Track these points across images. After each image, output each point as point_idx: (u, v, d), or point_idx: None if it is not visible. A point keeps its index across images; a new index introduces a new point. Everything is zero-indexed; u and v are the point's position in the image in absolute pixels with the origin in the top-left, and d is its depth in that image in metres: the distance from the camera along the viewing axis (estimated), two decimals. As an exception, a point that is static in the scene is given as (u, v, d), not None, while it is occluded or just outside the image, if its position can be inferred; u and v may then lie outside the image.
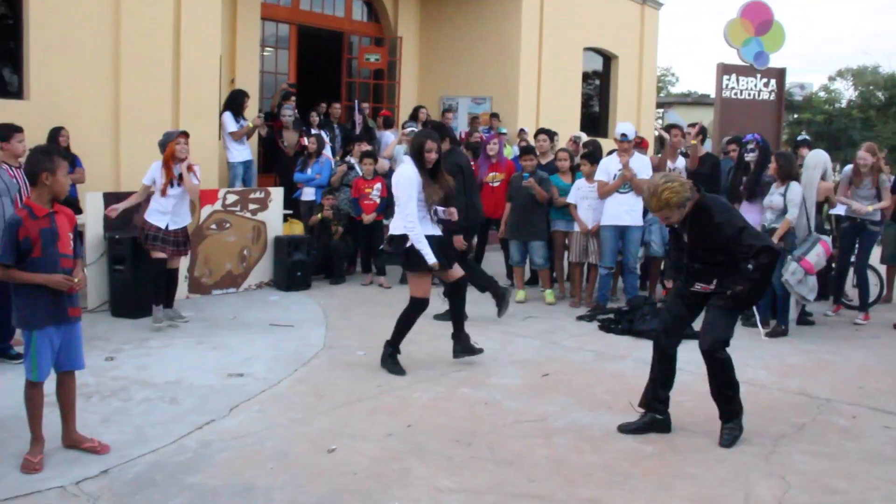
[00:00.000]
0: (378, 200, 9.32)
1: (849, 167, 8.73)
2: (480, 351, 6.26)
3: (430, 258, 5.83)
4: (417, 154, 5.94)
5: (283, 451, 4.45)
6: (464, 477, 4.18)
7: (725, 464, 4.45)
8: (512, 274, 9.36)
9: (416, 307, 6.04)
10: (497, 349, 6.65)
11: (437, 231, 6.04)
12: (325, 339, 6.86)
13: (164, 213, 7.12)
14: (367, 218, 9.32)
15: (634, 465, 4.33)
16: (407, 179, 5.88)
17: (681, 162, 8.80)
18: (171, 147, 7.04)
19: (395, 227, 5.97)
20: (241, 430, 4.73)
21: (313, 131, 10.73)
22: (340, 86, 14.38)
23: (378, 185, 9.34)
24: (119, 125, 9.10)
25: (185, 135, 7.20)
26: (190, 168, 7.15)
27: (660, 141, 12.95)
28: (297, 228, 9.69)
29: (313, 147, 9.99)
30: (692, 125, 9.37)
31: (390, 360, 6.00)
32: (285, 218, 9.58)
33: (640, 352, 6.52)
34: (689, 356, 6.66)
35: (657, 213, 4.66)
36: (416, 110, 12.19)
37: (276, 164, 11.70)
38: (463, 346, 6.21)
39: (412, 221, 5.85)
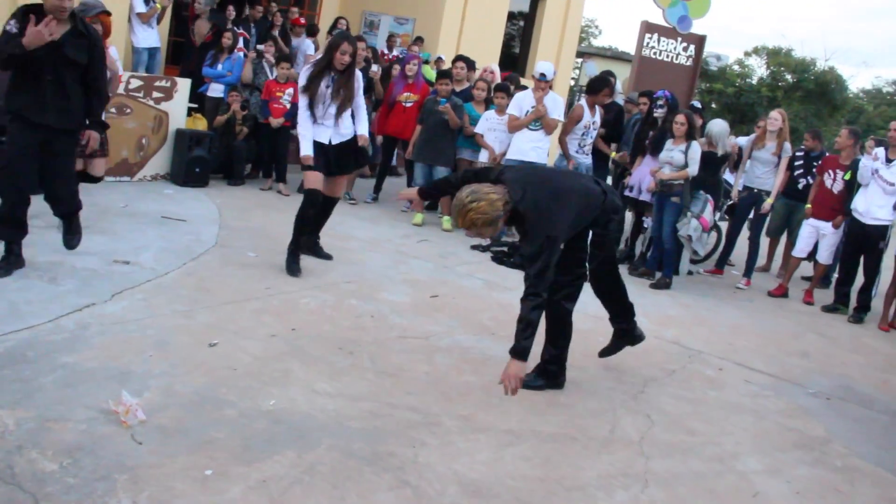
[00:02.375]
0: (288, 106, 9.10)
1: (743, 139, 9.05)
2: (328, 257, 6.55)
3: (303, 150, 5.96)
4: (329, 51, 5.87)
5: (163, 340, 4.39)
6: (343, 383, 4.23)
7: (596, 397, 4.65)
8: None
9: (306, 199, 6.10)
10: (389, 267, 6.69)
11: (326, 138, 6.11)
12: (217, 237, 6.74)
13: None
14: (275, 122, 9.12)
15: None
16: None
17: (598, 115, 8.88)
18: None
19: None
20: (123, 317, 4.64)
21: (229, 26, 10.35)
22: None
23: (290, 91, 9.11)
24: None
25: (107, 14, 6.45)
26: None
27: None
28: (201, 124, 9.39)
29: (227, 42, 9.66)
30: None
31: (290, 256, 6.04)
32: (189, 111, 9.27)
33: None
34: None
35: (465, 230, 4.18)
36: (335, 22, 11.89)
37: (182, 56, 11.26)
38: (309, 246, 6.46)
39: (301, 115, 5.99)
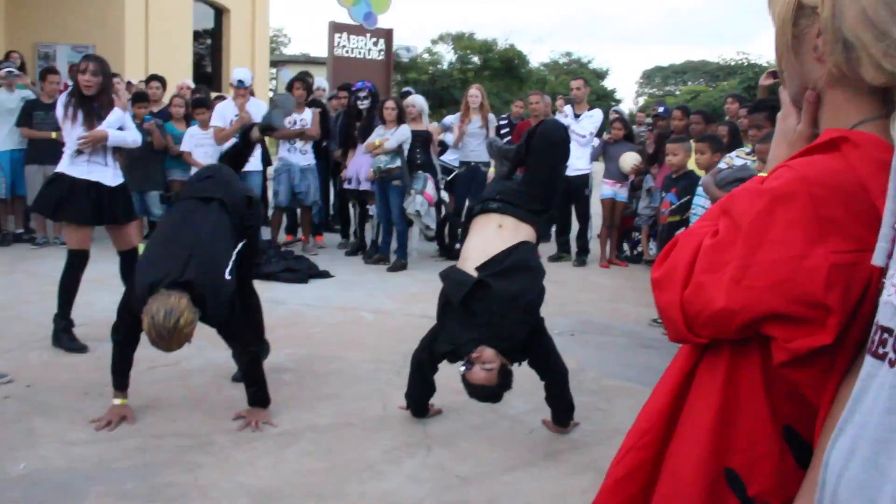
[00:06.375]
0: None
1: (450, 117, 9.53)
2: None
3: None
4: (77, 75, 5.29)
5: None
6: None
7: (361, 382, 4.72)
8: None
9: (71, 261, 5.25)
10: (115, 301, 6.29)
11: (79, 174, 5.21)
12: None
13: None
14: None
15: (276, 391, 4.29)
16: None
17: (307, 113, 8.88)
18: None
19: None
20: None
21: None
22: None
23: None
24: None
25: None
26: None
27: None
28: None
29: None
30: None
31: (65, 335, 5.18)
32: None
33: (268, 293, 6.56)
34: (315, 293, 6.93)
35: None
36: (7, 55, 10.92)
37: None
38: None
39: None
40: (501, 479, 3.56)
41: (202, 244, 3.86)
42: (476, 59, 36.79)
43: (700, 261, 1.25)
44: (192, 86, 11.13)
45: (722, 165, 5.64)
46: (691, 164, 6.51)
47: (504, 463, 3.73)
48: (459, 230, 8.23)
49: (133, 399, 4.21)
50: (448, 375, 3.95)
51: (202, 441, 3.82)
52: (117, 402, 4.04)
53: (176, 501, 3.24)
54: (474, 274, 3.66)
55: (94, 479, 3.41)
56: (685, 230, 1.55)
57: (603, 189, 8.78)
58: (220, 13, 17.57)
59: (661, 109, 9.87)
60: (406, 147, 7.90)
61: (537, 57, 60.80)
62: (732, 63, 39.81)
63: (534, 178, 4.08)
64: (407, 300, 6.70)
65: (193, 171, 8.36)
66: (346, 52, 13.96)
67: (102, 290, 6.62)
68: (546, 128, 4.27)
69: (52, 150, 8.12)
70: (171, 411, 4.18)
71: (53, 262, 7.79)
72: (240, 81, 8.16)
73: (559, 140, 4.17)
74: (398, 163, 7.87)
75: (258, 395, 4.05)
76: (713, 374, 1.30)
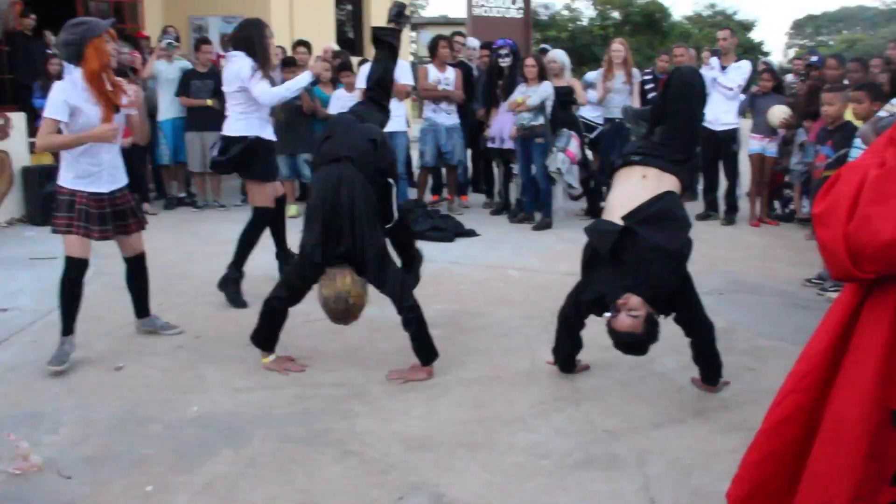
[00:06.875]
0: (134, 124, 8.79)
1: (592, 73, 9.37)
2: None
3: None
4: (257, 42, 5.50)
5: (65, 375, 4.23)
6: (261, 375, 4.19)
7: (509, 338, 4.78)
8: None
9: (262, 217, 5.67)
10: (272, 260, 6.60)
11: (268, 135, 5.67)
12: (92, 266, 6.47)
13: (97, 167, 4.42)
14: (126, 141, 8.78)
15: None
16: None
17: (450, 72, 8.97)
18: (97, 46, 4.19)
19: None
20: (15, 362, 4.44)
21: (49, 51, 9.87)
22: (76, 9, 13.24)
23: (134, 111, 8.78)
24: None
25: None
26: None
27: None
28: (47, 158, 8.96)
29: (56, 69, 9.22)
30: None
31: (233, 286, 5.55)
32: (31, 147, 8.82)
33: (417, 251, 6.75)
34: (462, 251, 7.03)
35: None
36: (164, 29, 11.51)
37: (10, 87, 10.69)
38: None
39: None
40: (649, 435, 3.55)
41: (344, 209, 4.01)
42: (616, 14, 35.92)
43: (866, 192, 1.21)
44: (336, 49, 11.37)
45: (882, 114, 5.33)
46: (848, 115, 6.17)
47: (652, 419, 3.71)
48: (604, 188, 8.18)
49: (291, 350, 4.44)
50: (595, 332, 3.96)
51: (357, 391, 3.99)
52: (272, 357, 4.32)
53: (334, 446, 3.42)
54: (620, 223, 3.65)
55: (258, 422, 3.64)
56: (848, 163, 1.49)
57: (751, 144, 8.43)
58: (360, -22, 17.84)
59: (814, 59, 9.39)
60: (549, 104, 7.85)
61: (680, 10, 58.71)
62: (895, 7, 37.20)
63: (673, 126, 4.01)
64: (553, 258, 6.70)
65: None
66: (485, 11, 13.90)
67: (260, 250, 6.95)
68: (680, 73, 4.26)
69: (209, 118, 8.57)
70: (327, 362, 4.38)
71: (213, 223, 8.29)
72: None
73: (694, 83, 4.11)
74: (541, 120, 7.83)
75: (423, 351, 4.17)
76: (880, 311, 1.26)
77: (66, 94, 4.18)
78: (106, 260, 6.67)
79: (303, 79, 5.52)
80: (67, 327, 4.41)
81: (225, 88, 5.58)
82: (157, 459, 3.32)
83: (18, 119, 8.50)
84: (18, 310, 5.37)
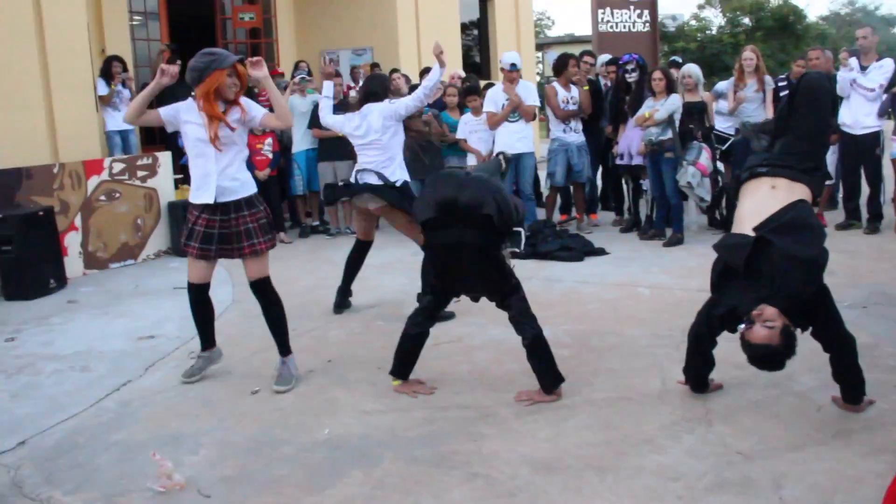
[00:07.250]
0: (270, 155, 9.17)
1: (723, 83, 9.08)
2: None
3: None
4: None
5: (206, 399, 4.41)
6: (390, 399, 4.25)
7: (639, 357, 4.67)
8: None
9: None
10: (406, 285, 6.69)
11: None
12: (233, 294, 6.77)
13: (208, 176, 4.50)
14: (261, 174, 9.17)
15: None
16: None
17: (574, 91, 8.91)
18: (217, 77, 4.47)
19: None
20: (161, 386, 4.67)
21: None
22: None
23: (269, 140, 9.18)
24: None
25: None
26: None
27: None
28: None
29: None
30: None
31: (341, 298, 6.12)
32: (176, 183, 9.33)
33: (545, 271, 6.71)
34: (591, 270, 6.92)
35: None
36: (296, 65, 11.97)
37: (158, 131, 11.31)
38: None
39: None
40: (787, 458, 3.37)
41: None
42: (746, 19, 34.78)
43: None
44: (463, 75, 11.52)
45: None
46: None
47: (789, 441, 3.53)
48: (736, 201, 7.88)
49: (420, 373, 4.48)
50: (728, 349, 3.81)
51: (485, 413, 3.98)
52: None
53: (460, 468, 3.41)
54: (751, 235, 3.51)
55: (387, 445, 3.68)
56: None
57: (895, 148, 7.96)
58: (484, 3, 18.01)
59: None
60: (677, 117, 7.66)
61: (815, 10, 56.21)
62: None
63: (800, 134, 3.85)
64: (684, 275, 6.52)
65: (470, 157, 8.70)
66: (611, 27, 13.82)
67: (390, 274, 7.09)
68: (807, 79, 4.10)
69: (341, 148, 8.82)
70: (455, 385, 4.39)
71: (346, 251, 8.48)
72: (512, 65, 8.35)
73: (821, 88, 3.98)
74: (669, 134, 7.66)
75: (546, 373, 4.12)
76: None
77: (181, 106, 4.59)
78: (244, 287, 6.97)
79: (434, 74, 5.95)
80: (201, 342, 4.83)
81: (361, 141, 5.94)
82: (290, 480, 3.41)
83: (165, 158, 9.01)
84: (164, 337, 5.65)
